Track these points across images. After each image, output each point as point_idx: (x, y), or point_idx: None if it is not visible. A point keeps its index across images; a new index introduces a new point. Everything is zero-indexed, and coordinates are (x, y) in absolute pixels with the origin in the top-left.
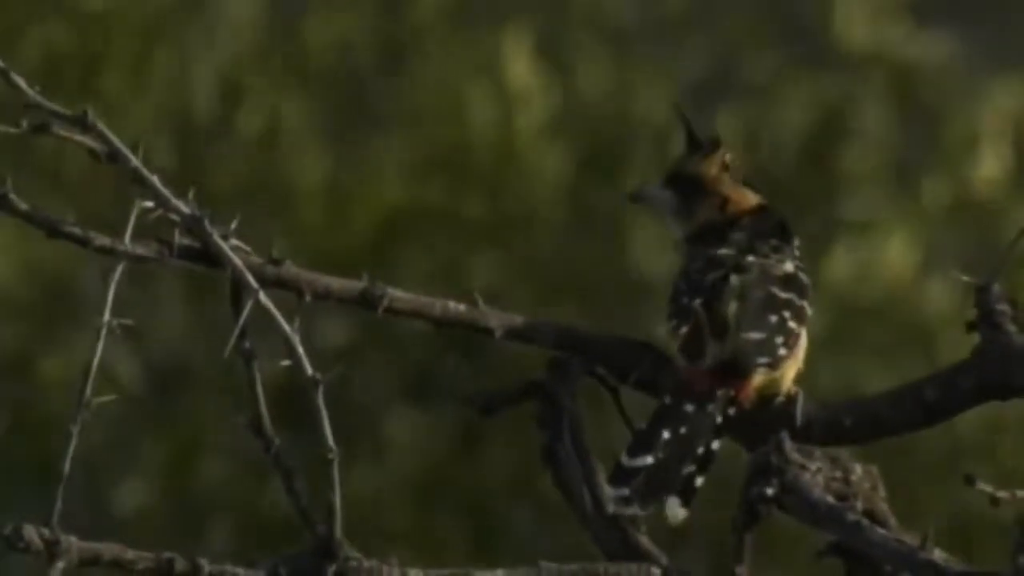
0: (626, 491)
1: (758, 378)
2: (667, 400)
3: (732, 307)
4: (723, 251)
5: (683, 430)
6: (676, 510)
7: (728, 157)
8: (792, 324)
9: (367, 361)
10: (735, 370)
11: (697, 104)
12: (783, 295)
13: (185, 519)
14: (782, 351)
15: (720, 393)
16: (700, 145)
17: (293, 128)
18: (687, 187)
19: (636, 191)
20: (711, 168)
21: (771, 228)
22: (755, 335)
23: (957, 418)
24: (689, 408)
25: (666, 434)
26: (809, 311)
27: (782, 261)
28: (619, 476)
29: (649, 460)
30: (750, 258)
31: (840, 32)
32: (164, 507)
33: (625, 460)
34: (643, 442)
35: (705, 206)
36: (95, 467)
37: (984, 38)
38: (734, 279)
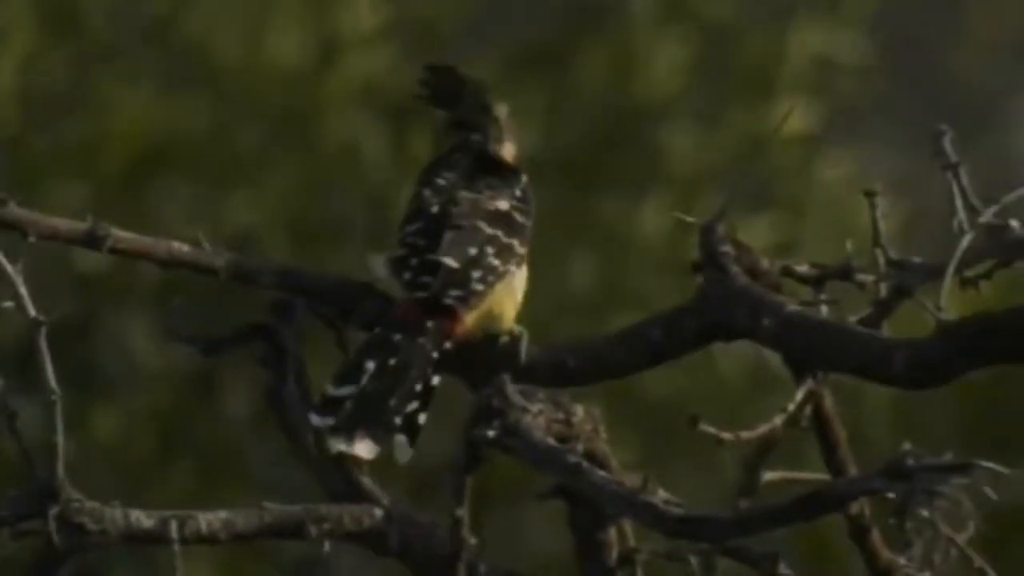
0: (331, 420)
1: (469, 313)
2: (376, 330)
3: (444, 239)
4: (428, 191)
5: (392, 361)
6: (403, 449)
7: None
8: (495, 261)
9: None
10: (441, 303)
11: None
12: (489, 231)
13: None
14: (478, 286)
15: (431, 325)
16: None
17: None
18: None
19: None
20: None
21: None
22: (451, 263)
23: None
24: (397, 338)
25: (371, 364)
26: (521, 250)
27: (495, 198)
28: (325, 406)
29: (353, 390)
30: (463, 193)
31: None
32: None
33: (331, 390)
34: (348, 372)
35: None
36: None
37: None
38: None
